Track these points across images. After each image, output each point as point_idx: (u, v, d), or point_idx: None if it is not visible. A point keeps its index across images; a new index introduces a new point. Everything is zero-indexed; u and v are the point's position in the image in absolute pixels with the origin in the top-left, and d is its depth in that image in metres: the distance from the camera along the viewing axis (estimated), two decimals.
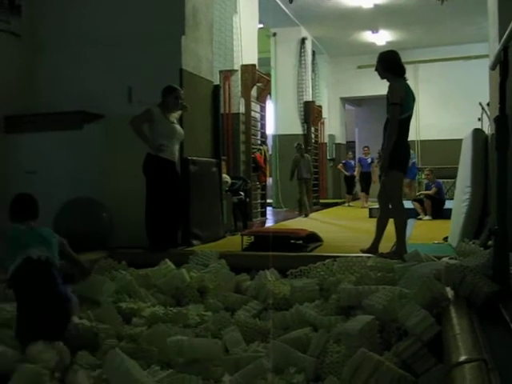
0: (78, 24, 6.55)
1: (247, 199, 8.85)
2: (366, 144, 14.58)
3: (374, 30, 14.43)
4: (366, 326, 2.88)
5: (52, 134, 6.39)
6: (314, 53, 15.40)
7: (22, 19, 6.52)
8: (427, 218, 9.36)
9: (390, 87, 5.01)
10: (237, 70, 9.91)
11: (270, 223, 10.05)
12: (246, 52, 10.03)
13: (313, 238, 5.97)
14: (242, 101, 10.03)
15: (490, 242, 4.20)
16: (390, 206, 5.08)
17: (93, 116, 6.32)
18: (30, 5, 6.61)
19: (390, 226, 5.02)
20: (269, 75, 12.71)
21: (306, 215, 10.51)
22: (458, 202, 5.85)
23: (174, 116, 5.73)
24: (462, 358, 2.09)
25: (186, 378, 2.59)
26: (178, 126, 5.71)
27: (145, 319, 3.64)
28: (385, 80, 5.09)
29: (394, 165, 4.92)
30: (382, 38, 14.97)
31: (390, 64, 5.07)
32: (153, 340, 3.09)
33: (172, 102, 5.61)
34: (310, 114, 14.20)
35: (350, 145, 19.70)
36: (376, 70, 5.14)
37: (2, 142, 6.43)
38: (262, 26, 12.50)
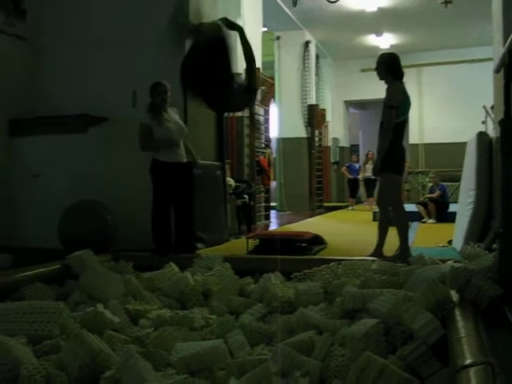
0: (82, 27, 6.58)
1: (251, 202, 8.85)
2: (370, 148, 14.52)
3: (378, 33, 14.42)
4: (371, 329, 2.87)
5: (56, 137, 6.43)
6: (317, 56, 15.38)
7: (27, 23, 6.55)
8: (431, 221, 9.37)
9: (388, 90, 5.01)
10: (240, 74, 9.91)
11: (273, 226, 10.05)
12: None
13: (317, 241, 5.98)
14: None
15: (494, 246, 4.19)
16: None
17: (97, 119, 6.34)
18: (34, 8, 6.64)
19: (394, 229, 5.02)
20: (272, 78, 12.72)
21: None
22: (463, 205, 5.84)
23: (168, 115, 5.50)
24: (468, 362, 2.08)
25: (196, 382, 2.59)
26: (172, 125, 5.46)
27: (151, 321, 3.64)
28: None
29: (390, 167, 4.92)
30: (385, 41, 14.96)
31: (391, 67, 5.07)
32: (159, 343, 3.09)
33: (158, 101, 5.40)
34: (314, 117, 14.17)
35: (354, 148, 19.68)
36: (376, 70, 5.14)
37: (7, 145, 6.46)
38: (265, 29, 12.51)
